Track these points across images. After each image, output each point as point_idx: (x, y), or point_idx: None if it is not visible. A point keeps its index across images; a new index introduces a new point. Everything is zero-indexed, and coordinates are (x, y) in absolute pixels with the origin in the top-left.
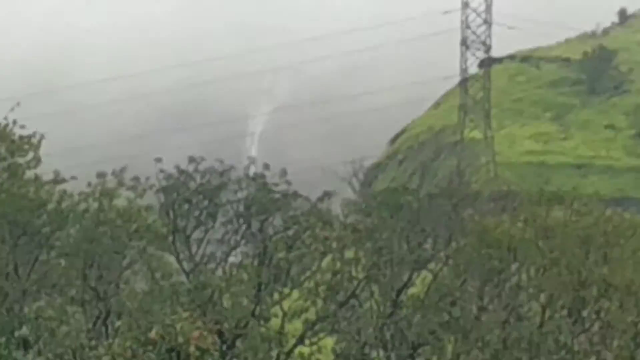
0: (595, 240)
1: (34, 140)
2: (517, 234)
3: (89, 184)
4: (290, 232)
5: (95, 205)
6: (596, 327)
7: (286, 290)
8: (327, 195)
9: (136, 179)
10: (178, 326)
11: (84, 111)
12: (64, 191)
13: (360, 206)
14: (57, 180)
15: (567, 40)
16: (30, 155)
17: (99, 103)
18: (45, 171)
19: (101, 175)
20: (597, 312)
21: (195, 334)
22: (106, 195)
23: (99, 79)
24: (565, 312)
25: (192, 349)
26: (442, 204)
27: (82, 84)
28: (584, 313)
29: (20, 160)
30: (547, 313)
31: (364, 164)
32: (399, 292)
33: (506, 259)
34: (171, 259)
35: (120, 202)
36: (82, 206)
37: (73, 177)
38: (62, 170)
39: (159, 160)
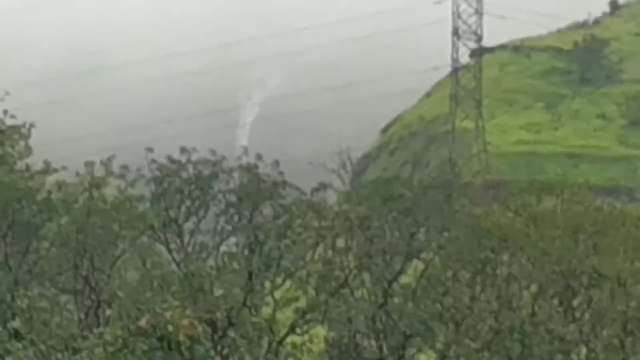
0: (585, 229)
1: (24, 130)
2: (507, 224)
3: (77, 174)
4: (281, 221)
5: (86, 194)
6: (586, 316)
7: (278, 280)
8: (322, 186)
9: (125, 167)
10: (168, 315)
11: (78, 101)
12: (64, 182)
13: (352, 195)
14: (47, 170)
15: (559, 30)
16: (21, 145)
17: (91, 94)
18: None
19: (89, 164)
20: (588, 302)
21: (185, 322)
22: (96, 185)
23: (89, 70)
24: (556, 301)
25: (181, 337)
26: (434, 194)
27: (76, 75)
28: (575, 302)
29: (11, 149)
30: (538, 302)
31: (352, 154)
32: (390, 282)
33: (497, 249)
34: (162, 248)
35: (110, 191)
36: (73, 196)
37: (63, 167)
38: (54, 161)
39: (150, 150)
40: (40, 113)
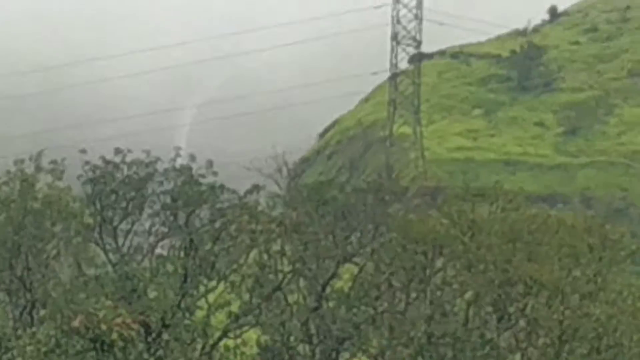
0: (521, 237)
1: None
2: (442, 230)
3: (8, 172)
4: (217, 225)
5: (18, 188)
6: (522, 324)
7: (212, 283)
8: (255, 188)
9: (54, 162)
10: (101, 314)
11: (17, 100)
12: None
13: (286, 200)
14: None
15: (498, 37)
16: None
17: (30, 93)
18: None
19: (19, 162)
20: (523, 309)
21: (118, 321)
22: (26, 180)
23: (28, 70)
24: (490, 308)
25: (114, 336)
26: (369, 199)
27: (12, 74)
28: (510, 310)
29: None
30: (473, 309)
31: (287, 158)
32: (324, 286)
33: (431, 255)
34: (98, 249)
35: (40, 186)
36: (4, 192)
37: None
38: None
39: (84, 151)
40: None
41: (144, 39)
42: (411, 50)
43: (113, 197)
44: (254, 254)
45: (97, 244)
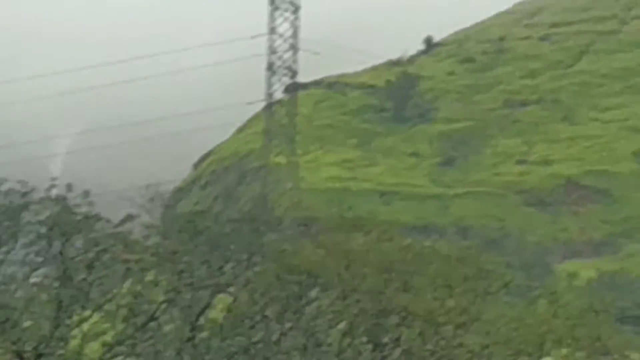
0: (395, 267)
1: None
2: (317, 260)
3: None
4: (91, 254)
5: None
6: (396, 354)
7: (86, 313)
8: (129, 218)
9: None
10: None
11: None
12: None
13: (161, 229)
14: None
15: (374, 67)
16: None
17: None
18: None
19: None
20: (397, 339)
21: None
22: None
23: None
24: (365, 338)
25: None
26: (243, 229)
27: None
28: (384, 340)
29: None
30: (347, 339)
31: (161, 188)
32: (198, 316)
33: (305, 285)
34: None
35: None
36: None
37: None
38: None
39: None
40: None
41: (20, 69)
42: (287, 80)
43: None
44: (128, 283)
45: None
